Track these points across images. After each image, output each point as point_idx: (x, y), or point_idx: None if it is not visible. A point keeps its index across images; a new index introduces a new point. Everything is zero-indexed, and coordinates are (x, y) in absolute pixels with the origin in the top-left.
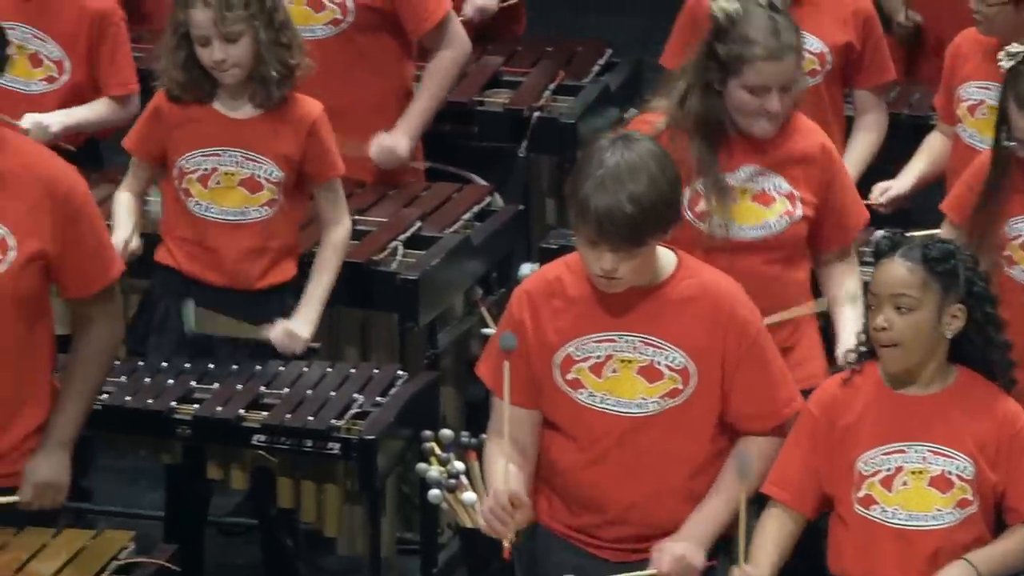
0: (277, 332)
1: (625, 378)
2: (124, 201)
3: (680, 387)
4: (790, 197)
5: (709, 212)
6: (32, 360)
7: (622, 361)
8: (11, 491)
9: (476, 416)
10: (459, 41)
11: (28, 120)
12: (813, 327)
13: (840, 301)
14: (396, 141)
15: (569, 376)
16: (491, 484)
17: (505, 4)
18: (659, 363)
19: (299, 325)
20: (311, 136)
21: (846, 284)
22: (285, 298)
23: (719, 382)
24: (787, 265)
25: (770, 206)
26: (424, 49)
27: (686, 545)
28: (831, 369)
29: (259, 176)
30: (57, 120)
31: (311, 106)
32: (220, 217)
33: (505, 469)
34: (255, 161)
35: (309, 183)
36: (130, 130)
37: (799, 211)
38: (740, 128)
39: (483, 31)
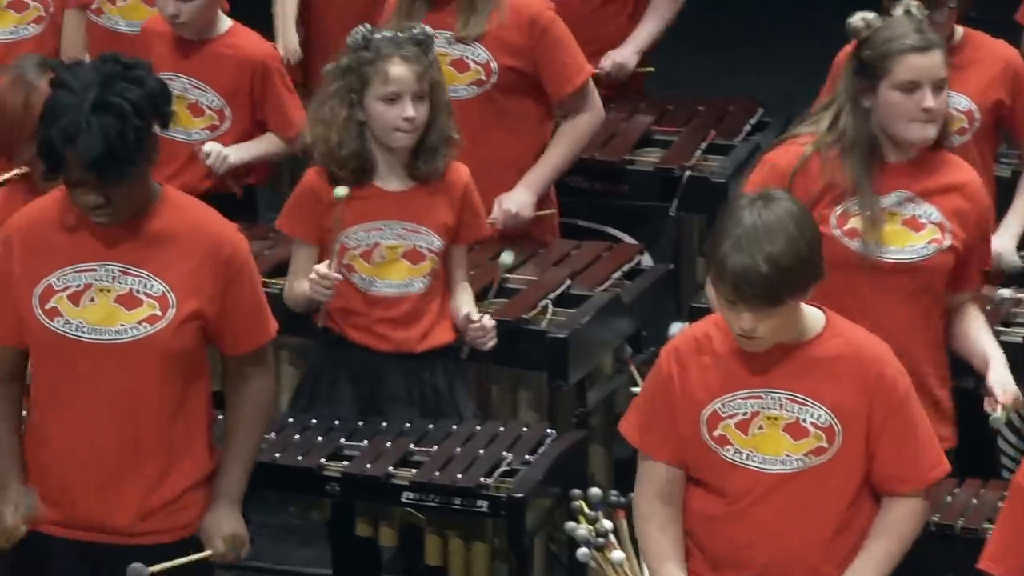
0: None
1: (771, 435)
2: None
3: (825, 445)
4: (940, 226)
5: (858, 231)
6: (188, 416)
7: (768, 418)
8: (166, 546)
9: (624, 475)
10: (597, 106)
11: (209, 145)
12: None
13: (978, 337)
14: (519, 201)
15: (716, 433)
16: (650, 558)
17: (640, 70)
18: (805, 420)
19: None
20: (464, 200)
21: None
22: (446, 361)
23: (864, 442)
24: (926, 295)
25: (919, 232)
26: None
27: None
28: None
29: (421, 247)
30: (235, 153)
31: (461, 170)
32: (385, 291)
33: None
34: (416, 232)
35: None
36: (283, 211)
37: (947, 241)
38: (895, 142)
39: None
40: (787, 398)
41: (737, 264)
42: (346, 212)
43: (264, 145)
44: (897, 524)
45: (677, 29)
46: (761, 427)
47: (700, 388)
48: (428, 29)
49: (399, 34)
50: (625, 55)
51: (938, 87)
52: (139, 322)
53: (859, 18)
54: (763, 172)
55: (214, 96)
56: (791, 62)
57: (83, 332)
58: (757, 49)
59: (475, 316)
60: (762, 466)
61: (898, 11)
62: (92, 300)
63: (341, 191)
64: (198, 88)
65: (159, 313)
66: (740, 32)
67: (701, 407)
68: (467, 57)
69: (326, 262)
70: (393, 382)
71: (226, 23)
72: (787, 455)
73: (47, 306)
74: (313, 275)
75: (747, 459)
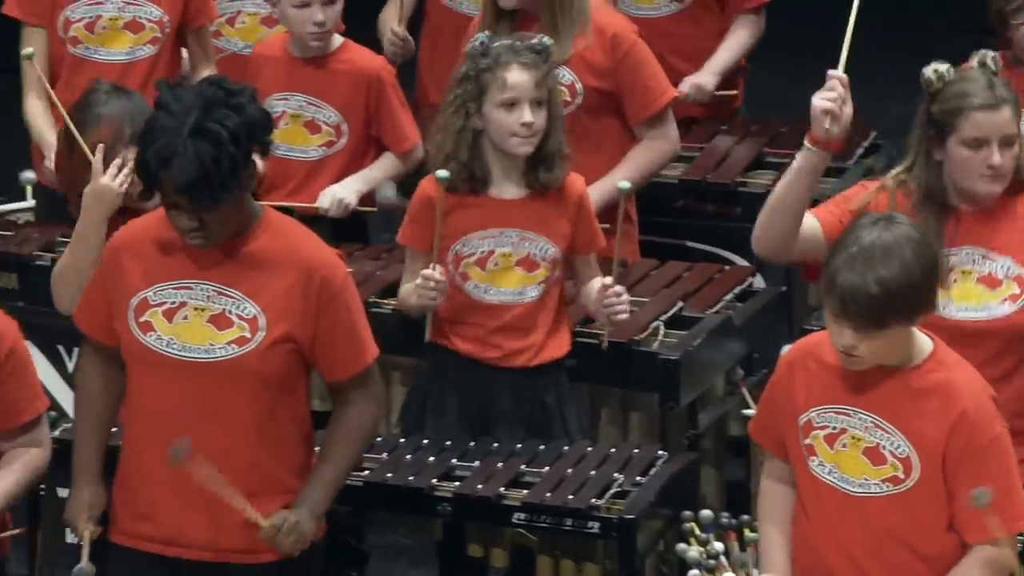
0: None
1: (852, 455)
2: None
3: (901, 476)
4: (1019, 280)
5: None
6: (277, 439)
7: (853, 438)
8: (248, 567)
9: (736, 497)
10: (673, 135)
11: (326, 199)
12: None
13: None
14: None
15: (807, 441)
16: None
17: (721, 93)
18: (884, 447)
19: None
20: (579, 210)
21: None
22: (557, 376)
23: (941, 480)
24: (1009, 357)
25: (995, 289)
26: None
27: None
28: None
29: (535, 255)
30: (353, 192)
31: (576, 181)
32: (498, 298)
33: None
34: (531, 240)
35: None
36: (402, 223)
37: None
38: (965, 195)
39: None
40: (872, 422)
41: (847, 282)
42: (457, 226)
43: (379, 169)
44: (971, 572)
45: (790, 51)
46: (845, 445)
47: (802, 394)
48: (546, 39)
49: (518, 42)
50: (704, 78)
51: (1006, 143)
52: (228, 343)
53: (931, 70)
54: (830, 204)
55: (331, 112)
56: (905, 85)
57: (173, 349)
58: (871, 72)
59: (608, 281)
60: (842, 485)
61: (974, 61)
62: (186, 318)
63: (443, 173)
64: (314, 105)
65: (248, 335)
66: (855, 55)
67: (799, 413)
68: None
69: (433, 265)
70: (502, 397)
71: (337, 40)
72: (865, 479)
73: (141, 319)
74: (419, 279)
75: (829, 474)
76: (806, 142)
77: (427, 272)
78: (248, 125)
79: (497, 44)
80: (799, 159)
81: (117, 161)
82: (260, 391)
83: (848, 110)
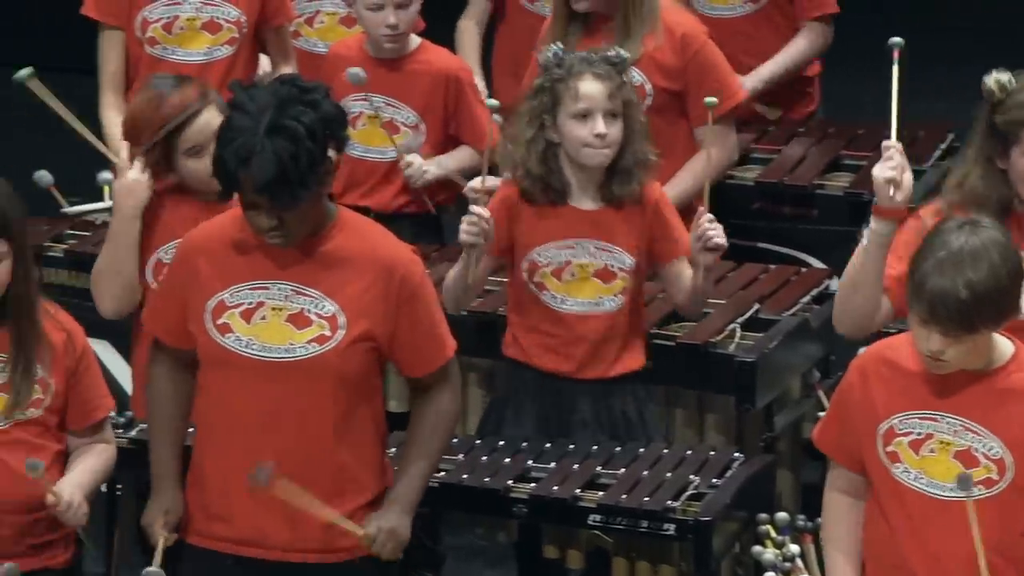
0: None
1: (941, 460)
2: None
3: (995, 478)
4: None
5: None
6: (357, 438)
7: (941, 443)
8: (327, 567)
9: (812, 500)
10: (732, 144)
11: (412, 156)
12: None
13: None
14: None
15: (889, 448)
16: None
17: (761, 107)
18: (976, 450)
19: None
20: (656, 217)
21: None
22: (636, 387)
23: None
24: None
25: None
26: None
27: None
28: None
29: (612, 266)
30: (434, 168)
31: (654, 188)
32: (575, 309)
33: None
34: (608, 251)
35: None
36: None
37: None
38: None
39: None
40: (962, 425)
41: (936, 286)
42: (533, 234)
43: (460, 157)
44: None
45: (867, 52)
46: (932, 450)
47: (881, 402)
48: (623, 52)
49: (592, 54)
50: (751, 81)
51: None
52: (308, 342)
53: (993, 80)
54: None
55: (409, 112)
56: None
57: (253, 349)
58: (948, 74)
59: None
60: (930, 490)
61: None
62: (264, 318)
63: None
64: (392, 106)
65: (328, 333)
66: (931, 56)
67: (879, 421)
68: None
69: (482, 204)
70: (581, 408)
71: (415, 41)
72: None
73: (219, 321)
74: (466, 216)
75: (915, 480)
76: (872, 217)
77: (477, 208)
78: (324, 121)
79: (572, 55)
80: (868, 236)
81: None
82: (339, 390)
83: (908, 176)
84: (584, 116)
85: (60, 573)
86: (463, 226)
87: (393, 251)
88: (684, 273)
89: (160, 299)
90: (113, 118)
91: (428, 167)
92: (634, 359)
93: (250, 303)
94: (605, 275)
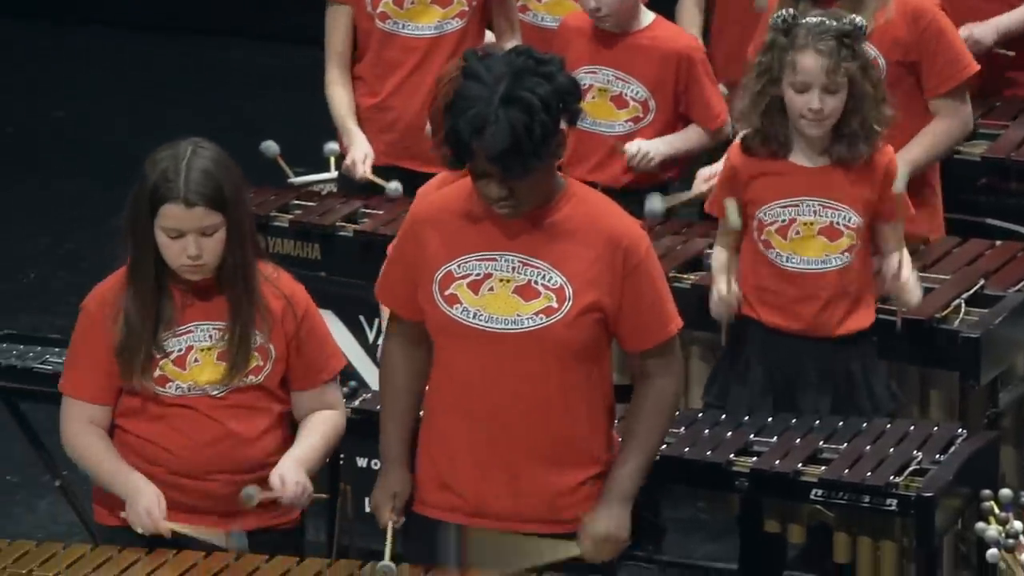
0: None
1: None
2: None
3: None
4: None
5: None
6: (584, 409)
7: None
8: (552, 537)
9: None
10: (966, 113)
11: (633, 144)
12: None
13: None
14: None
15: None
16: None
17: (999, 52)
18: None
19: None
20: (886, 180)
21: None
22: (865, 344)
23: None
24: None
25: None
26: None
27: None
28: None
29: (838, 223)
30: (658, 150)
31: (885, 151)
32: (801, 267)
33: None
34: (834, 209)
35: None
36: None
37: None
38: None
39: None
40: None
41: None
42: (760, 193)
43: (687, 138)
44: None
45: None
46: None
47: None
48: (859, 20)
49: (825, 21)
50: (982, 30)
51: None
52: (535, 313)
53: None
54: None
55: (639, 88)
56: None
57: (480, 320)
58: None
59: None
60: None
61: None
62: (491, 289)
63: (731, 211)
64: (622, 80)
65: (555, 305)
66: None
67: None
68: None
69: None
70: (807, 368)
71: (649, 16)
72: None
73: (447, 292)
74: (715, 296)
75: None
76: None
77: (723, 294)
78: (559, 93)
79: (801, 23)
80: None
81: None
82: (567, 360)
83: None
84: (802, 90)
85: (284, 535)
86: (713, 306)
87: (619, 223)
88: (891, 242)
89: (389, 271)
90: (340, 95)
91: (652, 151)
92: (861, 318)
93: (478, 274)
94: (831, 232)
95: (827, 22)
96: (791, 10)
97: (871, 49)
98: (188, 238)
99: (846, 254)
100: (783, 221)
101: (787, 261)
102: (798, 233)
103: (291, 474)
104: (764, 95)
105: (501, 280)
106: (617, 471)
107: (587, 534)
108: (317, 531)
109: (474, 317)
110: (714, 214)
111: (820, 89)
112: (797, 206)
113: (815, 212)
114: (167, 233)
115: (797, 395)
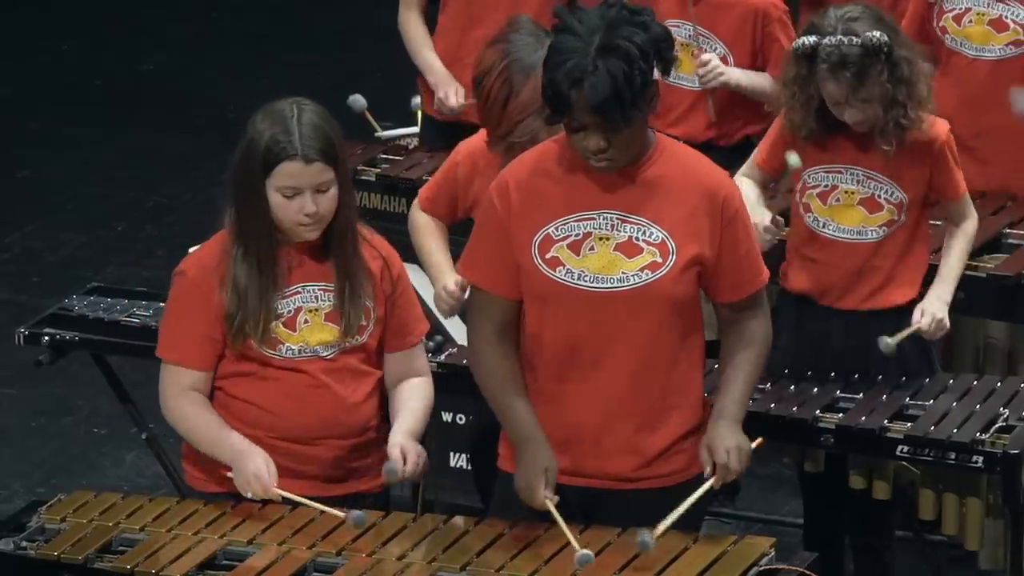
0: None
1: None
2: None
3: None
4: None
5: None
6: (686, 363)
7: None
8: (659, 491)
9: None
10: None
11: (710, 55)
12: None
13: None
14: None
15: None
16: None
17: None
18: None
19: None
20: (937, 157)
21: None
22: (899, 321)
23: None
24: None
25: None
26: None
27: None
28: None
29: (880, 196)
30: (730, 73)
31: (939, 127)
32: (836, 235)
33: None
34: (877, 180)
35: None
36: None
37: None
38: None
39: None
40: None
41: None
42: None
43: (760, 80)
44: None
45: None
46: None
47: None
48: (878, 35)
49: (846, 41)
50: None
51: None
52: (640, 269)
53: None
54: None
55: (717, 43)
56: None
57: (585, 281)
58: None
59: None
60: None
61: None
62: (592, 249)
63: (793, 159)
64: (702, 35)
65: (660, 260)
66: None
67: None
68: (1006, 16)
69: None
70: (833, 339)
71: None
72: None
73: (547, 256)
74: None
75: None
76: None
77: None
78: (654, 42)
79: (823, 45)
80: None
81: None
82: (673, 315)
83: None
84: (834, 103)
85: (373, 497)
86: (757, 232)
87: (712, 174)
88: (955, 216)
89: (478, 244)
90: (416, 35)
91: (724, 70)
92: (893, 295)
93: (577, 235)
94: (871, 204)
95: (845, 45)
96: (812, 38)
97: None
98: (305, 195)
99: (883, 228)
100: (825, 187)
101: (823, 227)
102: (838, 200)
103: (411, 447)
104: (805, 90)
105: (601, 238)
106: (723, 399)
107: (719, 446)
108: (402, 487)
109: (579, 278)
110: (765, 169)
111: (843, 107)
112: (841, 173)
113: (859, 182)
114: (283, 192)
115: (824, 367)
